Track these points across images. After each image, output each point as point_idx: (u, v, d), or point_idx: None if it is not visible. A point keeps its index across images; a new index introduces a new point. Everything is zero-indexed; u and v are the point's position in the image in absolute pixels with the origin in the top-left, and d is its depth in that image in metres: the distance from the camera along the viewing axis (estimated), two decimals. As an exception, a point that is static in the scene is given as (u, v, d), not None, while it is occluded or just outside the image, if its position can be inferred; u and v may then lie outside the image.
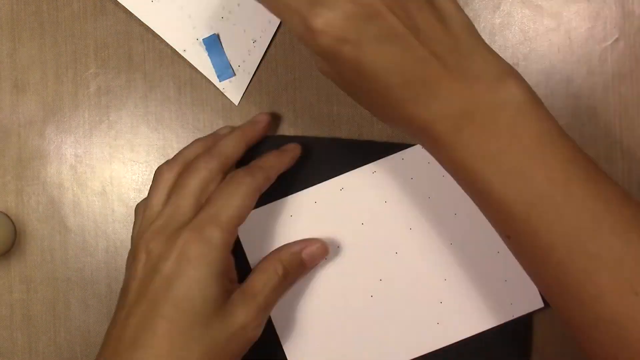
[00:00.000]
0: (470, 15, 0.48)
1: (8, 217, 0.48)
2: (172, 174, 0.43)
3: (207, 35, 0.47)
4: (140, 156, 0.48)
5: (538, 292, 0.46)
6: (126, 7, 0.47)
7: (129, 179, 0.48)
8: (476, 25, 0.48)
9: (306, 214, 0.47)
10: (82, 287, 0.48)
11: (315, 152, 0.47)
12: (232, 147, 0.44)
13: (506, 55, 0.48)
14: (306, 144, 0.47)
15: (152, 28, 0.48)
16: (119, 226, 0.48)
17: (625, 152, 0.48)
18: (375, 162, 0.47)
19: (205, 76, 0.48)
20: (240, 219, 0.41)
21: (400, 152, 0.47)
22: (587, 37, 0.48)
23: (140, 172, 0.48)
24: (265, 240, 0.47)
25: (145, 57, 0.48)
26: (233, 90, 0.48)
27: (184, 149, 0.45)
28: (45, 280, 0.48)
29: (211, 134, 0.47)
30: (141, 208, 0.44)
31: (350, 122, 0.48)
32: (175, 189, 0.42)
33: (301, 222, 0.47)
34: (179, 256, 0.40)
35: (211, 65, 0.48)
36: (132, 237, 0.44)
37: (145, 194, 0.48)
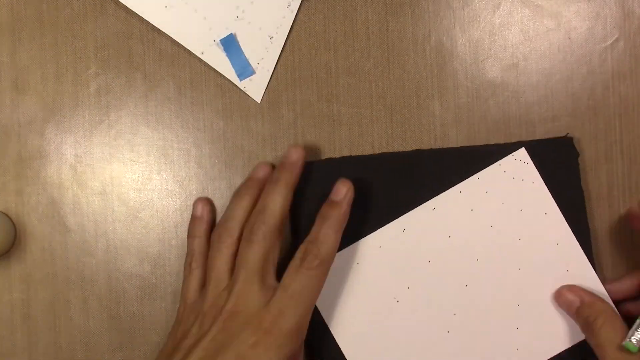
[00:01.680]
0: (470, 15, 0.48)
1: (8, 217, 0.48)
2: (232, 239, 0.44)
3: (223, 35, 0.48)
4: (140, 156, 0.48)
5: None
6: (139, 14, 0.47)
7: (129, 179, 0.48)
8: (476, 25, 0.48)
9: (371, 259, 0.47)
10: (82, 287, 0.48)
11: (373, 196, 0.47)
12: (281, 206, 0.44)
13: (506, 55, 0.48)
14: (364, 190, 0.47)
15: (167, 33, 0.47)
16: (119, 226, 0.48)
17: (625, 152, 0.48)
18: (434, 198, 0.47)
19: (225, 76, 0.48)
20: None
21: (457, 185, 0.47)
22: (587, 37, 0.48)
23: (140, 172, 0.48)
24: (336, 294, 0.47)
25: (145, 57, 0.48)
26: (254, 88, 0.48)
27: (231, 209, 0.45)
28: (45, 280, 0.48)
29: (250, 180, 0.47)
30: (198, 269, 0.46)
31: (350, 122, 0.48)
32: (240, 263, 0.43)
33: (368, 269, 0.47)
34: None
35: (230, 66, 0.48)
36: (184, 293, 0.46)
37: (145, 194, 0.48)
